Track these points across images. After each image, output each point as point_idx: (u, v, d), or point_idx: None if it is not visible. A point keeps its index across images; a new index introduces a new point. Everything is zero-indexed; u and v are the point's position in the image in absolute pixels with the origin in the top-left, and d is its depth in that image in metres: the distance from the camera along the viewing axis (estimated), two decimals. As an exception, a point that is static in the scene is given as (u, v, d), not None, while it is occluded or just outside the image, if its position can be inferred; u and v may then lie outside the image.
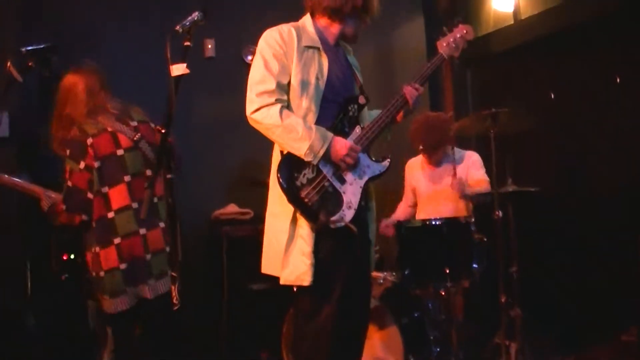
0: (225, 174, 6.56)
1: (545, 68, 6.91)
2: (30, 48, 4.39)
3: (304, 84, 3.93)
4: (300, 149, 3.82)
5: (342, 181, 3.89)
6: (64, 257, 5.84)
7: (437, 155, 6.13)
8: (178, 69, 3.38)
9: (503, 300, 5.29)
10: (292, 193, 3.84)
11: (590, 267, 6.23)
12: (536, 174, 6.50)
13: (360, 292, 4.10)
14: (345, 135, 3.96)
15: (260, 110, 3.87)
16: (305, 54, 3.98)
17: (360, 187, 3.92)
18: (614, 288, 6.00)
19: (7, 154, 5.89)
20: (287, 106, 3.93)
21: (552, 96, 6.68)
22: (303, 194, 3.82)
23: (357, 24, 4.15)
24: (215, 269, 6.53)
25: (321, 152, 3.82)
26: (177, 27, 3.47)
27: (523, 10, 7.02)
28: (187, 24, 3.50)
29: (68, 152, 4.55)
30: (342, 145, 3.86)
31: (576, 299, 6.26)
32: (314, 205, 3.81)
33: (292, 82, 3.94)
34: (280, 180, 3.85)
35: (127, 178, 4.60)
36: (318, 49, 4.03)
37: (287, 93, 3.94)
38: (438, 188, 6.12)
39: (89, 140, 4.53)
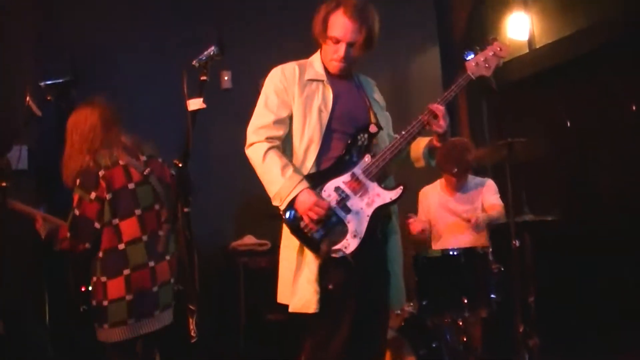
0: (243, 205, 6.58)
1: (560, 96, 6.91)
2: (49, 82, 4.44)
3: (306, 117, 3.98)
4: (271, 192, 3.92)
5: (347, 210, 3.87)
6: (82, 289, 5.85)
7: (464, 179, 6.11)
8: (195, 104, 3.40)
9: (521, 330, 5.27)
10: (292, 224, 3.88)
11: (609, 295, 6.20)
12: (553, 202, 6.48)
13: (375, 323, 4.06)
14: (354, 165, 3.95)
15: (252, 146, 4.00)
16: (308, 88, 4.04)
17: (368, 215, 3.88)
18: (634, 316, 5.96)
19: (27, 186, 5.91)
20: (289, 139, 4.02)
21: (569, 124, 6.68)
22: (302, 224, 3.85)
23: (332, 50, 4.06)
24: (232, 300, 6.53)
25: (287, 199, 3.85)
26: (194, 62, 3.52)
27: (538, 39, 7.05)
28: (204, 58, 3.55)
29: (78, 181, 4.54)
30: (306, 200, 3.83)
31: (595, 328, 6.22)
32: (315, 235, 3.83)
33: (294, 115, 4.01)
34: (282, 211, 3.91)
35: (138, 211, 4.61)
36: (322, 81, 4.07)
37: (289, 126, 4.01)
38: (458, 216, 6.11)
39: (101, 172, 4.54)
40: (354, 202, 3.90)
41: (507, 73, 7.20)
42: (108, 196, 4.55)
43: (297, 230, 3.89)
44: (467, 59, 4.12)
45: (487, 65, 4.13)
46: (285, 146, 4.05)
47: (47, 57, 6.28)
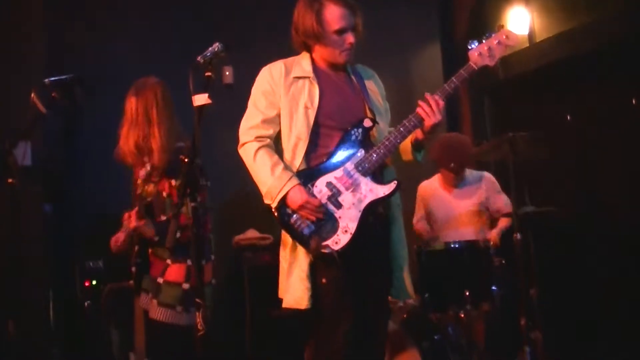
0: (245, 200, 6.59)
1: (561, 91, 6.93)
2: (53, 79, 4.44)
3: (292, 115, 4.02)
4: (262, 191, 3.98)
5: (338, 206, 3.89)
6: (87, 284, 5.88)
7: (463, 174, 6.14)
8: (200, 99, 3.44)
9: (523, 323, 5.29)
10: (283, 220, 3.93)
11: (610, 288, 6.22)
12: (555, 197, 6.51)
13: (374, 318, 4.07)
14: (347, 160, 3.96)
15: (243, 146, 4.07)
16: (294, 86, 4.07)
17: (359, 211, 3.88)
18: (635, 309, 5.99)
19: (31, 183, 5.93)
20: (277, 138, 4.07)
21: (569, 118, 6.70)
22: (292, 220, 3.89)
23: (339, 42, 4.07)
24: (236, 294, 6.55)
25: (278, 198, 3.89)
26: (199, 59, 3.56)
27: (538, 34, 7.05)
28: (209, 54, 3.58)
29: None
30: (297, 198, 3.86)
31: (598, 322, 6.24)
32: (304, 231, 3.87)
33: (282, 114, 4.05)
34: (273, 208, 3.94)
35: None
36: (308, 78, 4.08)
37: (278, 125, 4.06)
38: (457, 211, 6.13)
39: None
40: (346, 198, 3.91)
41: (508, 68, 7.23)
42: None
43: (287, 227, 3.93)
44: (470, 48, 4.05)
45: (491, 54, 4.02)
46: (276, 145, 4.09)
47: (51, 55, 6.30)
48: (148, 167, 4.54)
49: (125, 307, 4.90)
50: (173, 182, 4.63)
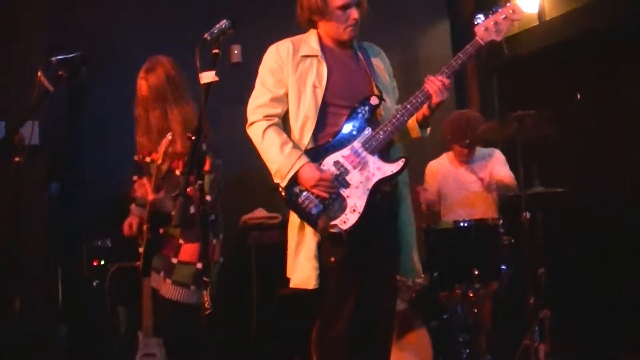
0: (253, 179, 6.58)
1: (571, 70, 6.88)
2: (60, 58, 4.43)
3: (300, 94, 4.00)
4: (272, 170, 3.96)
5: (346, 185, 3.88)
6: (94, 263, 5.88)
7: (474, 151, 6.11)
8: (207, 77, 3.41)
9: (531, 302, 5.28)
10: (290, 200, 3.92)
11: (619, 268, 6.20)
12: (563, 176, 6.47)
13: (382, 298, 4.06)
14: (354, 138, 3.94)
15: (252, 126, 4.05)
16: (302, 65, 4.05)
17: (367, 189, 3.87)
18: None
19: (38, 162, 5.93)
20: (285, 117, 4.06)
21: (579, 96, 6.66)
22: (300, 199, 3.87)
23: (343, 18, 4.03)
24: (244, 273, 6.54)
25: (288, 176, 3.87)
26: (206, 35, 3.52)
27: (548, 12, 7.00)
28: (216, 32, 3.55)
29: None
30: (309, 176, 3.84)
31: (606, 301, 6.23)
32: (312, 210, 3.85)
33: (290, 93, 4.03)
34: (281, 188, 3.94)
35: None
36: (317, 56, 4.06)
37: (286, 104, 4.04)
38: (468, 187, 6.11)
39: None
40: (354, 176, 3.89)
41: (517, 46, 7.18)
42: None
43: (295, 207, 3.93)
44: (477, 23, 4.01)
45: (497, 29, 3.99)
46: (284, 125, 4.07)
47: (55, 33, 6.28)
48: (166, 143, 4.54)
49: (133, 286, 4.90)
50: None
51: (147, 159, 4.88)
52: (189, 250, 4.66)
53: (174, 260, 4.65)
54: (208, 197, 4.57)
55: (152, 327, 4.79)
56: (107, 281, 5.76)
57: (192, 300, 4.65)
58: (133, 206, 5.04)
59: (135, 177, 5.10)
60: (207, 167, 4.51)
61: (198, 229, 4.47)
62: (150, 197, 4.62)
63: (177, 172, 4.73)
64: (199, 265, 4.58)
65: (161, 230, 4.74)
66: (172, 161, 4.67)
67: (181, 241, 4.68)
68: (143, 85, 4.77)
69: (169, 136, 4.46)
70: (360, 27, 4.12)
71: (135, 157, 5.05)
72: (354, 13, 4.00)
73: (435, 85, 3.89)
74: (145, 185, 4.69)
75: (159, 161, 4.60)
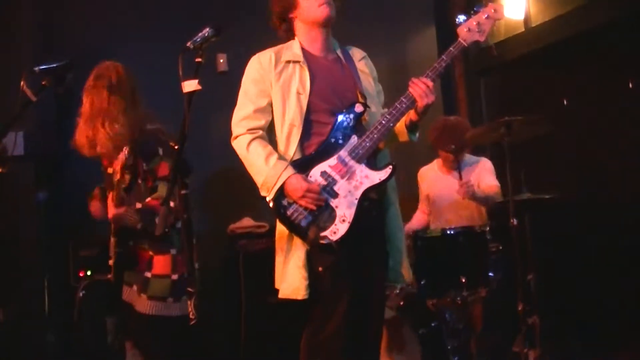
0: (240, 188, 6.56)
1: (558, 75, 6.90)
2: (43, 67, 4.39)
3: (285, 102, 3.97)
4: (258, 182, 3.92)
5: (334, 195, 3.84)
6: (81, 274, 5.86)
7: (461, 157, 6.10)
8: (190, 85, 3.39)
9: (521, 308, 5.26)
10: (279, 213, 3.88)
11: (609, 273, 6.20)
12: (551, 181, 6.48)
13: (371, 304, 4.04)
14: (340, 147, 3.90)
15: (236, 139, 4.02)
16: (285, 72, 4.02)
17: (356, 199, 3.83)
18: (633, 294, 5.97)
19: (23, 172, 5.91)
20: (271, 129, 4.02)
21: (565, 102, 6.67)
22: (289, 212, 3.84)
23: (303, 5, 4.03)
24: (232, 282, 6.53)
25: (274, 189, 3.84)
26: (189, 44, 3.51)
27: (534, 18, 7.03)
28: (199, 40, 3.52)
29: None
30: (296, 187, 3.80)
31: (595, 306, 6.23)
32: (302, 222, 3.82)
33: (274, 102, 4.00)
34: (269, 200, 3.90)
35: None
36: (299, 62, 4.04)
37: (270, 114, 4.02)
38: (454, 196, 6.10)
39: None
40: (342, 186, 3.85)
41: (504, 52, 7.20)
42: None
43: (284, 219, 3.88)
44: (459, 23, 3.97)
45: (480, 29, 3.95)
46: (269, 135, 4.04)
47: (42, 42, 6.27)
48: (125, 154, 4.42)
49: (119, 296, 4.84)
50: (145, 166, 4.50)
51: (109, 170, 4.71)
52: (161, 262, 4.49)
53: (148, 275, 4.48)
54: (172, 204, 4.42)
55: (134, 343, 4.75)
56: (93, 292, 5.73)
57: (172, 312, 4.50)
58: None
59: (96, 190, 4.87)
60: (165, 172, 4.40)
61: (168, 240, 4.44)
62: (112, 212, 4.46)
63: (139, 180, 4.52)
64: (174, 277, 4.48)
65: (131, 242, 4.65)
66: (131, 172, 4.48)
67: (151, 252, 4.51)
68: (84, 100, 4.64)
69: (125, 150, 4.29)
70: (347, 32, 4.12)
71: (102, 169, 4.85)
72: None
73: (419, 88, 3.84)
74: (108, 198, 4.54)
75: (117, 176, 4.45)
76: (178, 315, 4.48)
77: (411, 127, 4.09)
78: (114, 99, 4.54)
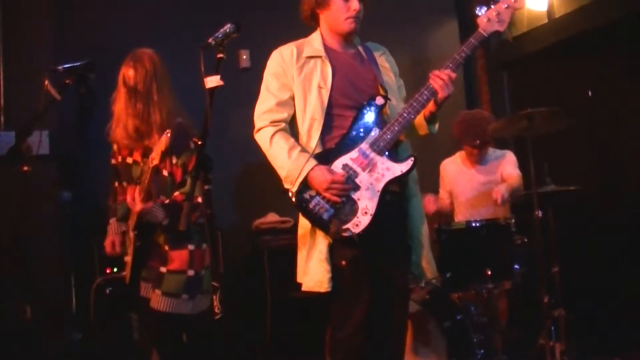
0: (265, 183, 6.58)
1: (581, 66, 6.86)
2: (66, 66, 4.42)
3: (306, 96, 3.98)
4: (281, 175, 3.93)
5: (356, 187, 3.84)
6: (108, 271, 5.88)
7: (485, 151, 6.08)
8: (212, 81, 3.41)
9: (546, 300, 5.25)
10: (301, 206, 3.89)
11: (633, 265, 6.16)
12: (575, 173, 6.44)
13: (394, 299, 4.04)
14: (361, 140, 3.91)
15: (259, 132, 4.03)
16: (307, 66, 4.04)
17: (378, 191, 3.84)
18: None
19: (48, 171, 5.93)
20: (292, 122, 4.04)
21: (590, 94, 6.63)
22: (311, 205, 3.85)
23: (344, 9, 4.00)
24: (256, 277, 6.53)
25: (298, 181, 3.84)
26: (210, 40, 3.52)
27: (557, 9, 6.99)
28: (220, 36, 3.54)
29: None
30: (321, 179, 3.81)
31: (621, 298, 6.19)
32: (324, 215, 3.82)
33: (295, 96, 4.01)
34: (290, 193, 3.91)
35: None
36: (320, 57, 4.05)
37: (292, 108, 4.03)
38: (480, 188, 6.09)
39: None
40: (363, 179, 3.86)
41: (526, 44, 7.17)
42: None
43: (306, 212, 3.90)
44: (479, 14, 3.98)
45: (500, 19, 3.95)
46: (291, 129, 4.06)
47: (63, 42, 6.29)
48: (166, 140, 4.17)
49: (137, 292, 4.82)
50: (174, 159, 4.51)
51: (129, 160, 4.66)
52: (177, 258, 4.46)
53: (163, 270, 4.45)
54: (199, 199, 4.36)
55: (148, 339, 4.75)
56: (120, 289, 5.74)
57: (185, 310, 4.44)
58: (113, 221, 4.83)
59: (115, 184, 4.84)
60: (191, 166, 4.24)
61: (186, 235, 4.43)
62: (139, 207, 4.31)
63: (165, 173, 4.52)
64: (190, 273, 4.46)
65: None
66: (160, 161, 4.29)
67: (167, 248, 4.49)
68: (129, 75, 4.49)
69: (167, 133, 4.08)
70: (368, 27, 4.12)
71: (113, 161, 4.79)
72: (355, 3, 3.97)
73: (440, 80, 3.85)
74: (133, 193, 4.35)
75: (155, 161, 4.16)
76: (191, 312, 4.46)
77: (430, 119, 4.09)
78: (159, 78, 4.55)
